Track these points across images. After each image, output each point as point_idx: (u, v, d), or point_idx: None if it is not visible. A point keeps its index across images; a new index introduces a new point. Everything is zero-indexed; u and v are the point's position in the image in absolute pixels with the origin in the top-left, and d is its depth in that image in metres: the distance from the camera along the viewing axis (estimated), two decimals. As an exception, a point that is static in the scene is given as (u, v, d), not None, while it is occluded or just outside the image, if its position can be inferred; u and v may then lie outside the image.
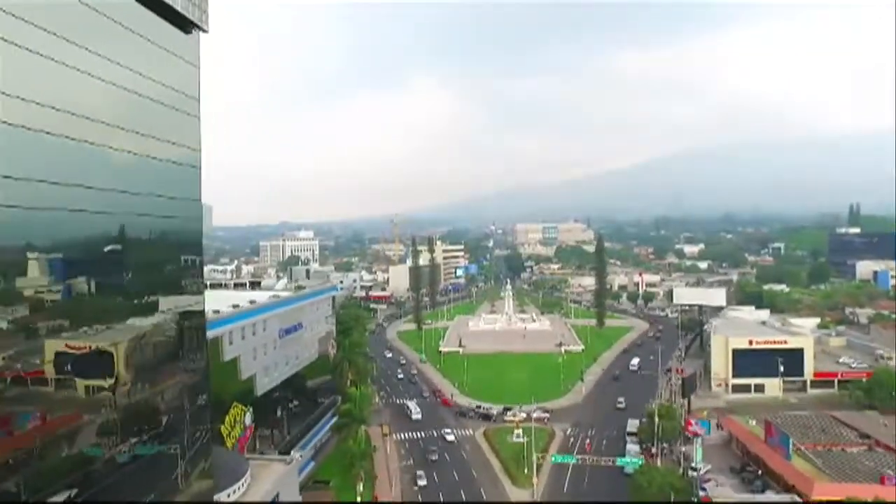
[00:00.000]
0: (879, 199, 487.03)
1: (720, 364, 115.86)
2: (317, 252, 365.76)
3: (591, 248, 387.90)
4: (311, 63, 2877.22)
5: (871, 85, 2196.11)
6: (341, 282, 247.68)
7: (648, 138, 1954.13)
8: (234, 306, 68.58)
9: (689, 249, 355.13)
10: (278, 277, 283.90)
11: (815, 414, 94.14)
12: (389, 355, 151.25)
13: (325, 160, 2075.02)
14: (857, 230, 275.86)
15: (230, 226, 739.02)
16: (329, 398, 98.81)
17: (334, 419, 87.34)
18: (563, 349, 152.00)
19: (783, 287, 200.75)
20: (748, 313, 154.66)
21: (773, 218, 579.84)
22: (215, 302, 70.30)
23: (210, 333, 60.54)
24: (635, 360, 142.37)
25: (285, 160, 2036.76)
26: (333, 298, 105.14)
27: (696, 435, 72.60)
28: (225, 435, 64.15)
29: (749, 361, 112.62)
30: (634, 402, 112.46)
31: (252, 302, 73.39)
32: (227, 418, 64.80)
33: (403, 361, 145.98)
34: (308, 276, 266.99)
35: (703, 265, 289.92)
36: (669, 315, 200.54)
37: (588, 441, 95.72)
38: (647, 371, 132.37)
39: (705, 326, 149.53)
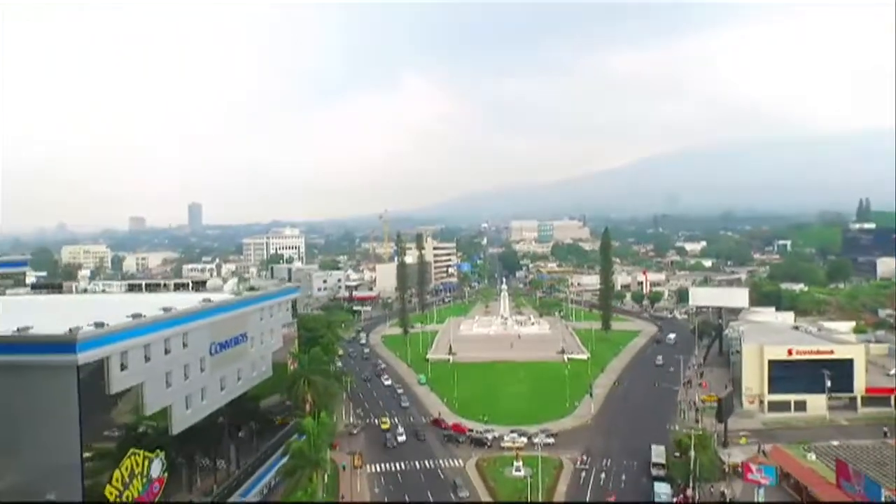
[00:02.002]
0: (877, 197, 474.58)
1: (753, 377, 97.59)
2: (303, 250, 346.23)
3: (588, 246, 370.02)
4: (305, 63, 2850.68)
5: (866, 85, 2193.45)
6: (324, 281, 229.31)
7: (642, 137, 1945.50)
8: (135, 316, 49.50)
9: (691, 247, 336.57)
10: (260, 276, 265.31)
11: (882, 442, 76.19)
12: (388, 382, 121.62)
13: (319, 159, 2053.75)
14: (871, 226, 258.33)
15: (221, 224, 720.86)
16: (290, 421, 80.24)
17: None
18: (565, 357, 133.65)
19: (801, 286, 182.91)
20: (772, 316, 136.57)
21: (771, 216, 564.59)
22: (115, 309, 51.50)
23: (83, 356, 41.75)
24: (672, 335, 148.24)
25: (279, 159, 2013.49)
26: (294, 302, 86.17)
27: (757, 484, 54.11)
28: (112, 497, 45.24)
29: (788, 375, 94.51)
30: (653, 423, 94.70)
31: (167, 309, 54.24)
32: (116, 473, 45.87)
33: (401, 390, 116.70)
34: (290, 275, 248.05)
35: (707, 263, 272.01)
36: (678, 317, 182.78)
37: (604, 475, 77.54)
38: (665, 384, 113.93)
39: (726, 331, 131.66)
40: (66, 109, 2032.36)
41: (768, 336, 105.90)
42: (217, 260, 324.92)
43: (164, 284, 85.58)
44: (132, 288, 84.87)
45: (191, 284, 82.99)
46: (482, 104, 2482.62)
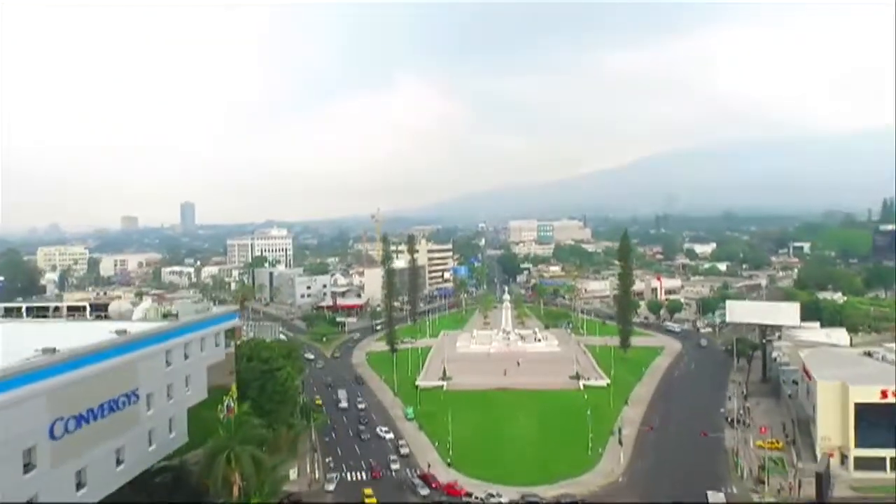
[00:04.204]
0: (876, 197, 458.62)
1: (832, 424, 74.39)
2: (291, 252, 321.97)
3: (591, 248, 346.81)
4: (302, 63, 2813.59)
5: (865, 85, 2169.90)
6: (308, 287, 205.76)
7: (640, 137, 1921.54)
8: None
9: (700, 249, 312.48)
10: (242, 279, 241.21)
11: None
12: (387, 435, 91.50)
13: (316, 159, 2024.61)
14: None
15: (213, 224, 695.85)
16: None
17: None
18: (581, 384, 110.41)
19: (839, 295, 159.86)
20: (822, 334, 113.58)
21: (773, 216, 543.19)
22: None
23: None
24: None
25: (275, 158, 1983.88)
26: (232, 331, 62.66)
27: None
28: None
29: (882, 423, 71.28)
30: (704, 482, 71.54)
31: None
32: None
33: (385, 430, 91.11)
34: (271, 279, 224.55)
35: (721, 266, 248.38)
36: (700, 329, 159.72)
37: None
38: (704, 416, 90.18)
39: (774, 354, 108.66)
40: (60, 108, 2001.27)
41: (842, 367, 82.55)
42: (198, 262, 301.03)
43: (57, 308, 61.83)
44: (9, 313, 61.13)
45: (89, 310, 59.18)
46: (480, 104, 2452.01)
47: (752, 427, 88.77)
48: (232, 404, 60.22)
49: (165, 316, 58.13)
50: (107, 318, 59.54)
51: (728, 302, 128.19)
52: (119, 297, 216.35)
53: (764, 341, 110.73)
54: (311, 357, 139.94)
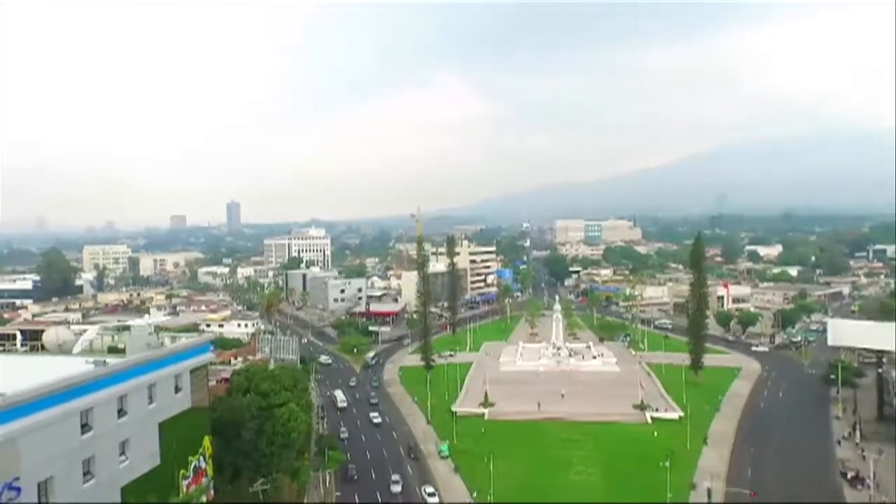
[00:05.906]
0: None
1: None
2: (328, 252, 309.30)
3: (643, 249, 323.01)
4: (341, 62, 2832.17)
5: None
6: (342, 291, 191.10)
7: (683, 135, 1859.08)
8: None
9: (765, 252, 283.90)
10: (276, 281, 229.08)
11: None
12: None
13: (359, 158, 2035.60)
14: None
15: (258, 223, 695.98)
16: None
17: None
18: (648, 416, 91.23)
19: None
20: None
21: (836, 215, 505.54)
22: None
23: None
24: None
25: (321, 157, 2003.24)
26: (206, 371, 46.74)
27: None
28: None
29: None
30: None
31: None
32: None
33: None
34: (304, 283, 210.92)
35: (792, 272, 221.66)
36: (776, 345, 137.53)
37: None
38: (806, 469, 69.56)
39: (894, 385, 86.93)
40: (117, 112, 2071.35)
41: None
42: (234, 263, 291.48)
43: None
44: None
45: (19, 339, 44.21)
46: (518, 103, 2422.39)
47: (881, 488, 68.12)
48: (202, 465, 44.11)
49: (112, 351, 42.99)
50: (43, 349, 44.87)
51: (830, 321, 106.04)
52: (151, 298, 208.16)
53: (879, 370, 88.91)
54: (343, 403, 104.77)
